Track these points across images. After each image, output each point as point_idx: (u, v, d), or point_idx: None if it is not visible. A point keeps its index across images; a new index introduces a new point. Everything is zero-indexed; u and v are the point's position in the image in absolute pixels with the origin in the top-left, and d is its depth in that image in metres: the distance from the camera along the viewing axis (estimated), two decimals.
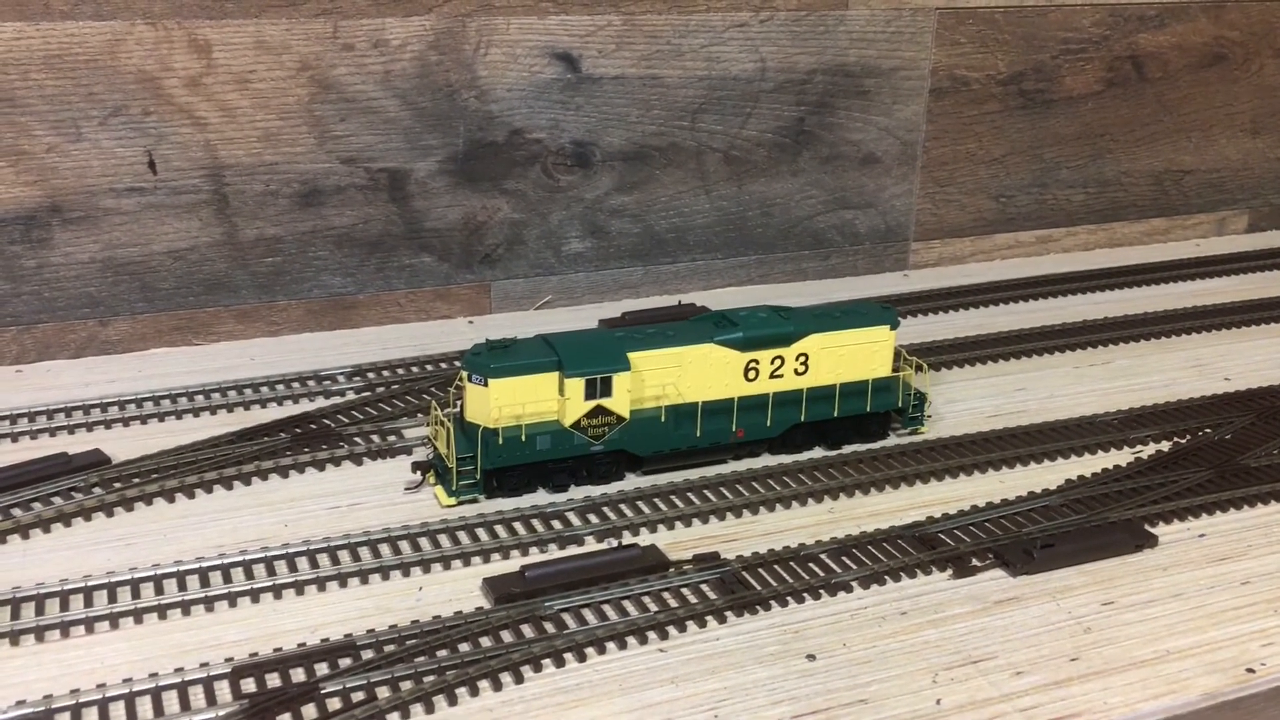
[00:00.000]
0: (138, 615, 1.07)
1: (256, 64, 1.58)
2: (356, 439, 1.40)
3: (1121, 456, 1.41)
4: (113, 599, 1.09)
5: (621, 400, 1.29)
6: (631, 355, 1.30)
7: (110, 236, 1.59)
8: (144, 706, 0.96)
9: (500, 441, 1.26)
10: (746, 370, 1.35)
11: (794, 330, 1.36)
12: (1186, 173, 2.25)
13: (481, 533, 1.22)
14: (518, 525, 1.24)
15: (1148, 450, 1.43)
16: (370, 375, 1.57)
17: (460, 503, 1.27)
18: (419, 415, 1.46)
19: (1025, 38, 2.01)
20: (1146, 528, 1.25)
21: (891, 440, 1.44)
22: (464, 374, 1.27)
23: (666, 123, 1.83)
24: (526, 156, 1.76)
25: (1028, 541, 1.20)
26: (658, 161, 1.85)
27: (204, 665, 1.00)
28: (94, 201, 1.57)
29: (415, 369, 1.60)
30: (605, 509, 1.27)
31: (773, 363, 1.36)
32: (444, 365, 1.61)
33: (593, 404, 1.28)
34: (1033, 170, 2.11)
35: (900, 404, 1.43)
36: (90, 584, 1.10)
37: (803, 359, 1.37)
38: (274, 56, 1.59)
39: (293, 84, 1.61)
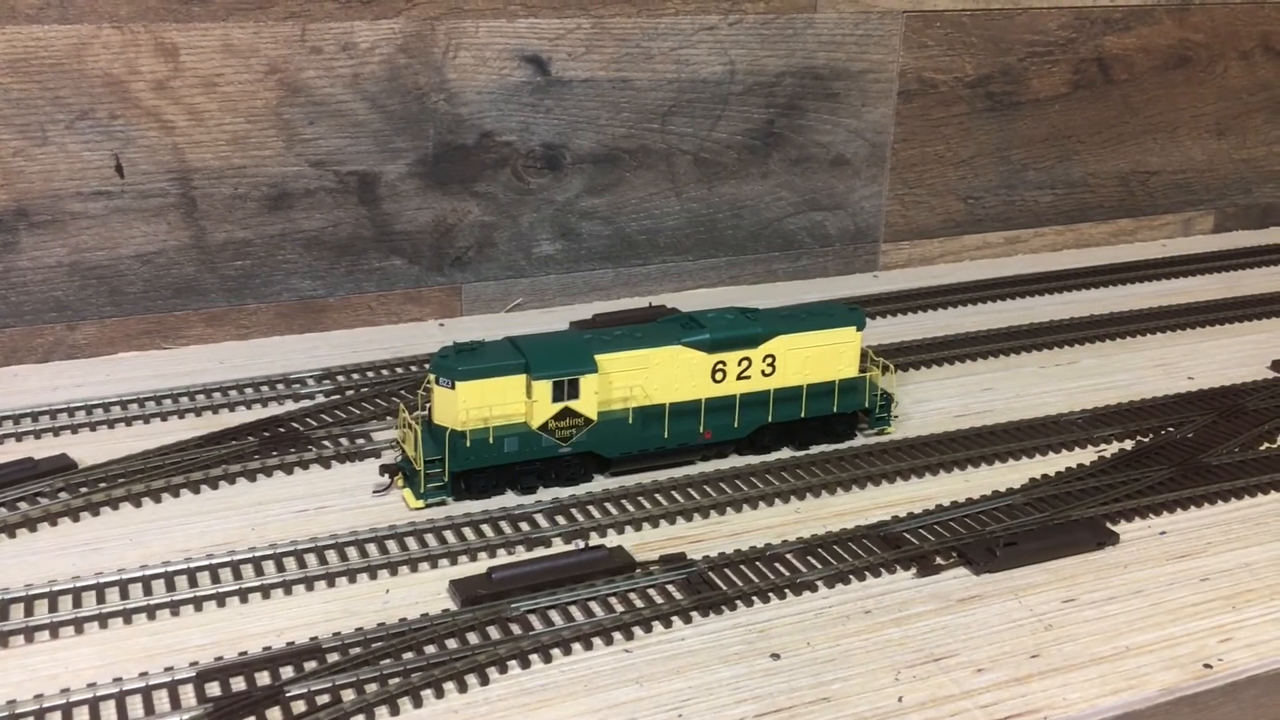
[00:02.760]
0: (103, 620, 1.07)
1: (224, 67, 1.58)
2: (325, 442, 1.40)
3: (1085, 455, 1.43)
4: (78, 604, 1.09)
5: (589, 402, 1.30)
6: (599, 357, 1.30)
7: (78, 240, 1.58)
8: (108, 711, 0.96)
9: (468, 444, 1.26)
10: (714, 372, 1.36)
11: (761, 331, 1.37)
12: (1153, 174, 2.27)
13: (449, 535, 1.22)
14: (485, 527, 1.24)
15: (1111, 449, 1.44)
16: (340, 378, 1.57)
17: (428, 505, 1.27)
18: (388, 418, 1.47)
19: (992, 40, 2.03)
20: (1108, 525, 1.26)
21: (859, 440, 1.45)
22: (431, 376, 1.28)
23: (636, 125, 1.84)
24: (497, 159, 1.77)
25: (991, 540, 1.21)
26: (628, 164, 1.85)
27: (169, 670, 1.00)
28: (61, 205, 1.56)
29: (385, 371, 1.60)
30: (573, 510, 1.28)
31: (740, 364, 1.37)
32: (414, 368, 1.61)
33: (560, 406, 1.29)
34: (1001, 172, 2.13)
35: (867, 404, 1.44)
36: (55, 589, 1.10)
37: (770, 360, 1.38)
38: (242, 60, 1.59)
39: (261, 87, 1.61)
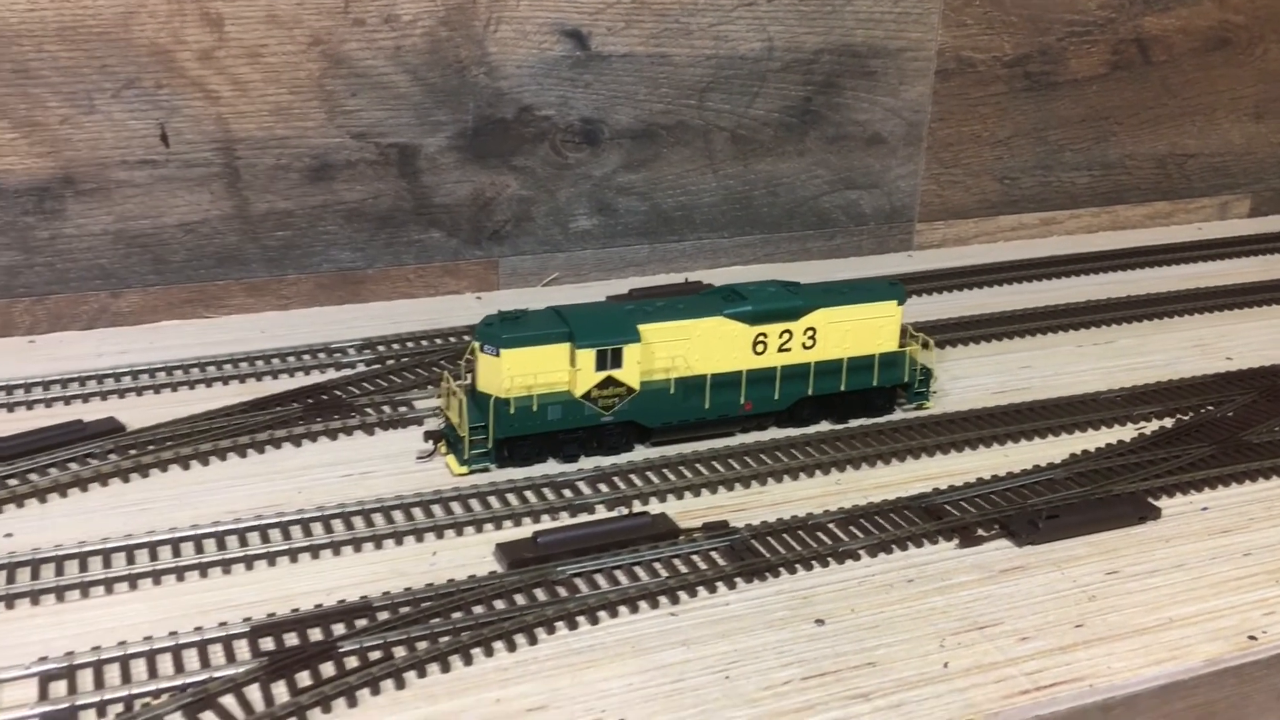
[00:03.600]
0: (156, 577, 1.09)
1: (268, 38, 1.59)
2: (368, 409, 1.41)
3: (1125, 432, 1.43)
4: (131, 561, 1.11)
5: (631, 371, 1.31)
6: (641, 327, 1.31)
7: (122, 209, 1.60)
8: (165, 663, 0.97)
9: (512, 411, 1.27)
10: (755, 343, 1.36)
11: (802, 304, 1.37)
12: (1190, 156, 2.26)
13: (494, 500, 1.23)
14: (529, 493, 1.25)
15: (1151, 426, 1.44)
16: (380, 348, 1.58)
17: (472, 471, 1.29)
18: (429, 387, 1.48)
19: (1031, 20, 2.02)
20: (1150, 500, 1.26)
21: (897, 415, 1.46)
22: (476, 344, 1.29)
23: (674, 101, 1.84)
24: (535, 133, 1.77)
25: (1033, 512, 1.21)
26: (665, 140, 1.86)
27: (223, 625, 1.02)
28: (106, 174, 1.58)
29: (425, 342, 1.61)
30: (615, 478, 1.29)
31: (781, 336, 1.37)
32: (453, 339, 1.62)
33: (603, 375, 1.30)
34: (1037, 152, 2.12)
35: (906, 379, 1.44)
36: (108, 546, 1.12)
37: (810, 333, 1.38)
38: (285, 31, 1.60)
39: (304, 58, 1.62)
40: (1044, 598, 1.11)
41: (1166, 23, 2.13)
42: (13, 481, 1.22)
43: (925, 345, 1.46)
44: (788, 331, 1.37)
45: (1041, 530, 1.19)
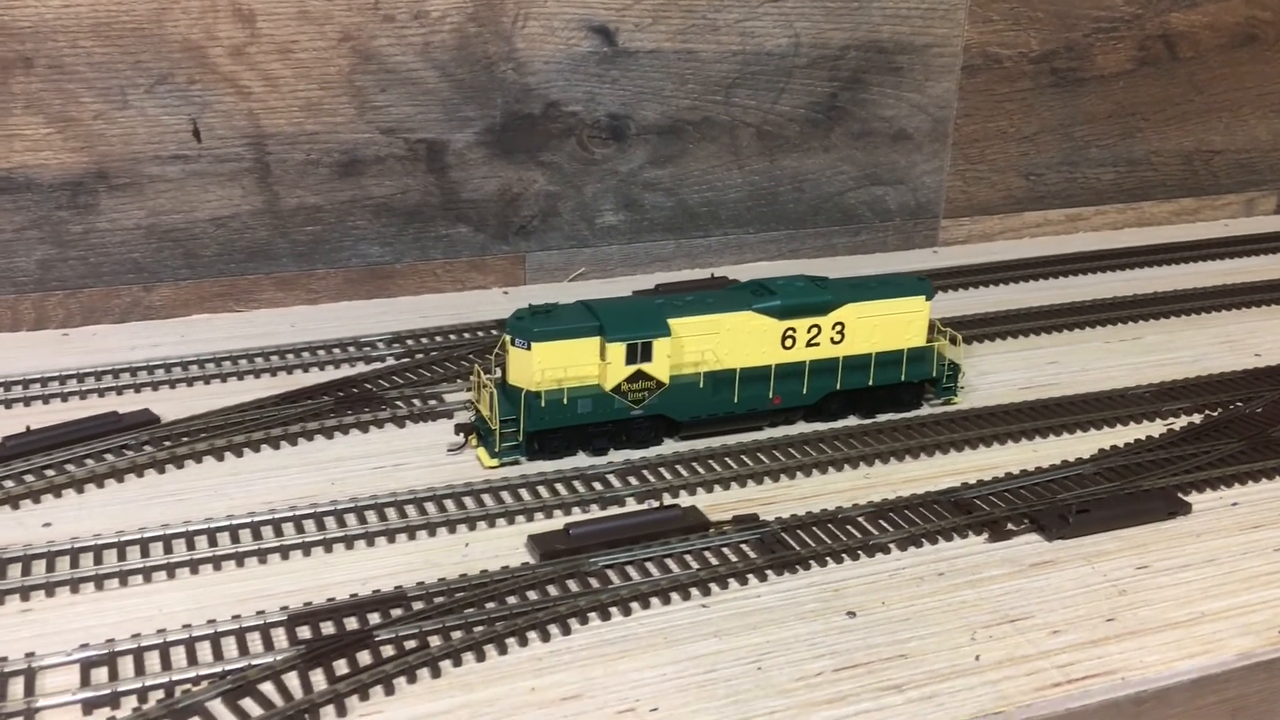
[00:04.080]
0: (193, 566, 1.10)
1: (299, 34, 1.61)
2: (398, 402, 1.42)
3: (1153, 428, 1.43)
4: (168, 550, 1.12)
5: (661, 365, 1.31)
6: (671, 321, 1.32)
7: (155, 203, 1.61)
8: (204, 651, 0.99)
9: (542, 404, 1.28)
10: (784, 338, 1.37)
11: (831, 299, 1.38)
12: (1216, 153, 2.25)
13: (524, 493, 1.24)
14: (559, 486, 1.26)
15: (1179, 422, 1.44)
16: (409, 342, 1.59)
17: (502, 464, 1.29)
18: (458, 380, 1.49)
19: (1058, 16, 2.02)
20: (1180, 496, 1.26)
21: (925, 410, 1.46)
22: (507, 337, 1.29)
23: (700, 97, 1.84)
24: (562, 129, 1.78)
25: (1063, 507, 1.22)
26: (691, 136, 1.86)
27: (260, 614, 1.03)
28: (139, 168, 1.59)
29: (453, 336, 1.62)
30: (645, 471, 1.29)
31: (809, 331, 1.38)
32: (481, 334, 1.63)
33: (633, 368, 1.30)
34: (1063, 148, 2.12)
35: (934, 374, 1.45)
36: (146, 536, 1.13)
37: (839, 328, 1.39)
38: (316, 27, 1.61)
39: (334, 54, 1.63)
40: (1074, 592, 1.11)
41: (1193, 19, 2.12)
42: (50, 472, 1.24)
43: (953, 341, 1.46)
44: (816, 326, 1.38)
45: (1071, 525, 1.19)
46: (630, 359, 1.30)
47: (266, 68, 1.60)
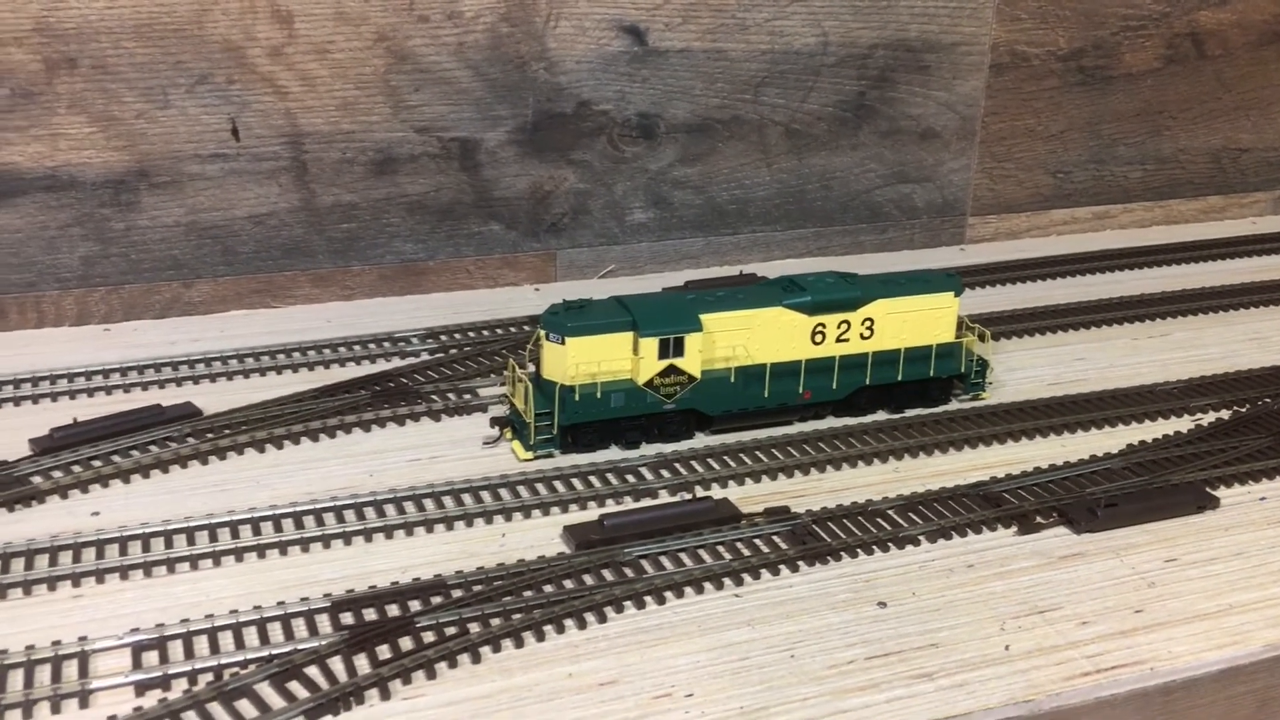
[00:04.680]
0: (238, 554, 1.13)
1: (336, 34, 1.63)
2: (433, 396, 1.45)
3: (1182, 423, 1.44)
4: (213, 539, 1.15)
5: (693, 360, 1.33)
6: (703, 317, 1.33)
7: (195, 201, 1.64)
8: (251, 636, 1.01)
9: (576, 398, 1.30)
10: (814, 334, 1.39)
11: (860, 295, 1.39)
12: (1244, 151, 2.25)
13: (559, 485, 1.26)
14: (593, 478, 1.28)
15: (1208, 418, 1.45)
16: (443, 337, 1.62)
17: (537, 457, 1.32)
18: (492, 375, 1.51)
19: (1086, 14, 2.03)
20: (1208, 490, 1.27)
21: (953, 405, 1.47)
22: (542, 332, 1.32)
23: (729, 96, 1.86)
24: (593, 128, 1.80)
25: (1092, 500, 1.23)
26: (720, 134, 1.88)
27: (304, 600, 1.05)
28: (180, 167, 1.62)
29: (486, 332, 1.65)
30: (677, 464, 1.31)
31: (839, 327, 1.39)
32: (513, 329, 1.65)
33: (666, 363, 1.32)
34: (1090, 146, 2.13)
35: (963, 370, 1.46)
36: (191, 525, 1.16)
37: (868, 324, 1.40)
38: (353, 27, 1.64)
39: (370, 54, 1.66)
40: (1103, 584, 1.12)
41: (1221, 17, 2.12)
42: (97, 463, 1.27)
43: (981, 337, 1.47)
44: (846, 322, 1.39)
45: (1100, 518, 1.20)
46: (663, 354, 1.32)
47: (304, 68, 1.63)
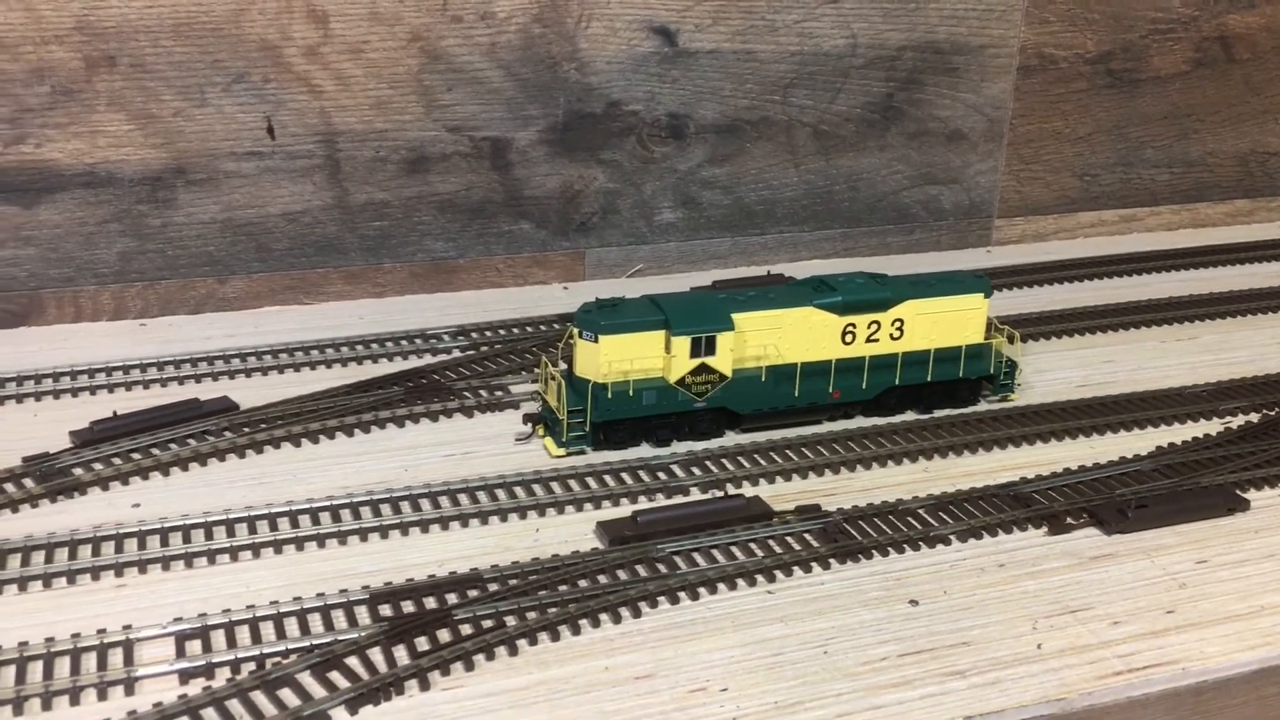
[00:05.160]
0: (277, 546, 1.15)
1: (370, 34, 1.65)
2: (466, 393, 1.46)
3: (1211, 426, 1.44)
4: (253, 531, 1.17)
5: (724, 359, 1.34)
6: (734, 316, 1.35)
7: (230, 198, 1.66)
8: (292, 626, 1.03)
9: (609, 396, 1.31)
10: (844, 334, 1.39)
11: (891, 296, 1.40)
12: (1272, 154, 2.25)
13: (591, 481, 1.28)
14: (625, 475, 1.29)
15: (1237, 421, 1.45)
16: (474, 335, 1.63)
17: (569, 453, 1.33)
18: (523, 373, 1.52)
19: (1114, 17, 2.03)
20: (1238, 493, 1.28)
21: (982, 406, 1.48)
22: (575, 330, 1.33)
23: (758, 97, 1.87)
24: (623, 128, 1.82)
25: (1122, 502, 1.23)
26: (749, 135, 1.89)
27: (343, 592, 1.07)
28: (216, 164, 1.64)
29: (516, 330, 1.66)
30: (707, 462, 1.32)
31: (869, 327, 1.40)
32: (543, 327, 1.67)
33: (697, 362, 1.33)
34: (1118, 149, 2.13)
35: (992, 370, 1.47)
36: (231, 517, 1.18)
37: (898, 324, 1.41)
38: (387, 27, 1.65)
39: (404, 54, 1.67)
40: (1134, 584, 1.13)
41: (1250, 20, 2.12)
42: (137, 455, 1.29)
43: (1011, 338, 1.48)
44: (876, 322, 1.40)
45: (1131, 519, 1.21)
46: (694, 352, 1.33)
47: (338, 67, 1.65)
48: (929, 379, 1.43)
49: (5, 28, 1.50)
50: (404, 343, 1.60)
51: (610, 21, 1.75)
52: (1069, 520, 1.23)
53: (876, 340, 1.41)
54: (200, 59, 1.59)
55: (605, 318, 1.32)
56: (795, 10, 1.84)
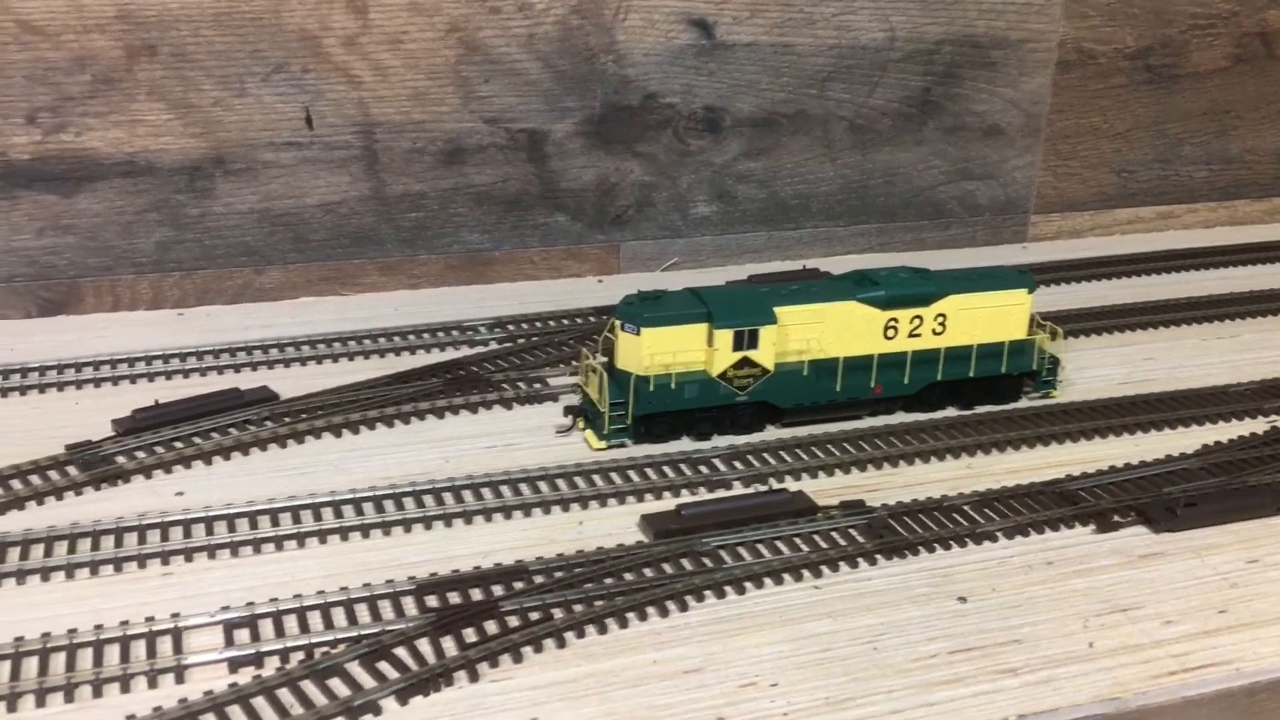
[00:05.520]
0: (322, 536, 1.14)
1: (409, 25, 1.65)
2: (504, 385, 1.46)
3: (1256, 425, 1.42)
4: (297, 520, 1.16)
5: (767, 353, 1.33)
6: (777, 310, 1.34)
7: (268, 189, 1.66)
8: (339, 616, 1.02)
9: (651, 389, 1.31)
10: (886, 328, 1.38)
11: (934, 290, 1.39)
12: None
13: (634, 474, 1.27)
14: (667, 469, 1.28)
15: None
16: (510, 327, 1.63)
17: (610, 446, 1.32)
18: (560, 365, 1.52)
19: (1154, 12, 2.01)
20: None
21: (1024, 402, 1.47)
22: (617, 322, 1.32)
23: (795, 90, 1.86)
24: (659, 121, 1.81)
25: (1170, 500, 1.22)
26: (785, 128, 1.88)
27: (389, 582, 1.07)
28: (254, 154, 1.64)
29: (552, 322, 1.65)
30: (749, 456, 1.32)
31: (912, 322, 1.39)
32: (579, 320, 1.66)
33: (739, 355, 1.33)
34: (1156, 146, 2.11)
35: (1034, 367, 1.45)
36: (275, 506, 1.18)
37: (941, 319, 1.40)
38: (426, 18, 1.65)
39: (442, 45, 1.67)
40: (1185, 583, 1.12)
41: None
42: (179, 444, 1.29)
43: (1053, 334, 1.47)
44: (918, 317, 1.39)
45: (1180, 518, 1.19)
46: (737, 346, 1.32)
47: (377, 58, 1.65)
48: (972, 374, 1.42)
49: (47, 16, 1.50)
50: (441, 334, 1.60)
51: (648, 13, 1.74)
52: (1116, 518, 1.21)
53: (919, 335, 1.40)
54: (240, 49, 1.59)
55: (648, 310, 1.31)
56: (833, 3, 1.82)
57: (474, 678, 0.96)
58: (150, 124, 1.59)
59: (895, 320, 1.38)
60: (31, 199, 1.58)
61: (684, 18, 1.76)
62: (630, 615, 1.04)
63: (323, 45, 1.62)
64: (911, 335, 1.39)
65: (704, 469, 1.29)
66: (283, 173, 1.66)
